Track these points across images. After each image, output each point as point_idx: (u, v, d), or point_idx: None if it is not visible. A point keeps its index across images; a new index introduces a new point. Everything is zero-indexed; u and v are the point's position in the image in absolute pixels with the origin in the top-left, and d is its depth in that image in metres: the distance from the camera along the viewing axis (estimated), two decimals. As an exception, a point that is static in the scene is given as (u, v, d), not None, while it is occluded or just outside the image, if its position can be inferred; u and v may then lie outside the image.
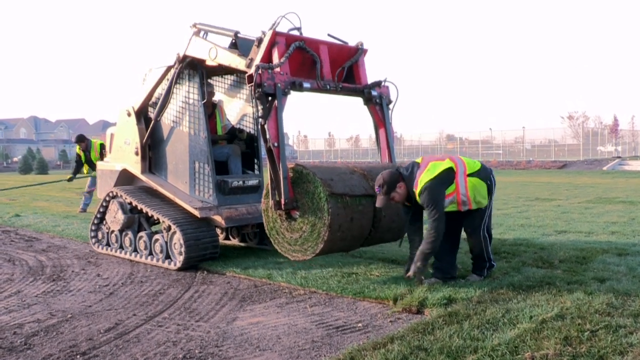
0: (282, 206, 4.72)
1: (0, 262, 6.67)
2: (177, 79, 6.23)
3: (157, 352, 3.60)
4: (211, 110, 6.86)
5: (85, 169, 12.19)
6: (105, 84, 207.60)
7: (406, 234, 5.23)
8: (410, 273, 4.73)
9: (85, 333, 4.00)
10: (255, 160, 7.08)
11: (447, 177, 4.70)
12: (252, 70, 4.68)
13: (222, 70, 6.73)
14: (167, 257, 6.14)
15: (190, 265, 5.97)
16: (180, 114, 6.32)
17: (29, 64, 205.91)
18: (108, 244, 7.02)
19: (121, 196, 6.71)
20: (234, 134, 7.07)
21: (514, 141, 46.35)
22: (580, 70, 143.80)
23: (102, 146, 11.26)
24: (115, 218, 6.72)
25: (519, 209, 11.04)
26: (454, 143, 54.05)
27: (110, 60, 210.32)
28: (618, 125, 50.74)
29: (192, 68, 6.18)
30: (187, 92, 6.23)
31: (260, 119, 4.62)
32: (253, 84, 4.58)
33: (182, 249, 5.87)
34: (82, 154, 12.05)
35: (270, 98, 4.65)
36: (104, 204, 6.97)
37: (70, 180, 12.69)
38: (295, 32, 5.08)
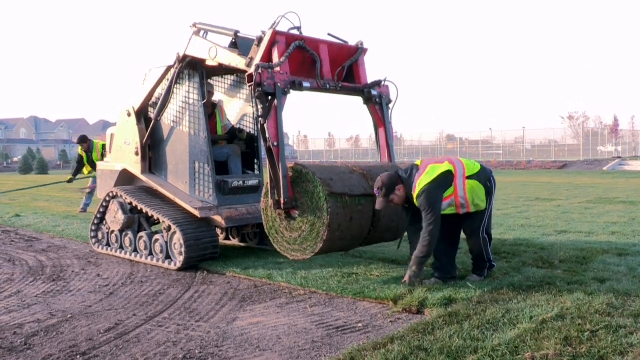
0: (282, 205, 4.72)
1: (0, 262, 6.66)
2: (177, 79, 6.22)
3: (157, 352, 3.59)
4: (211, 110, 6.86)
5: (87, 169, 12.21)
6: (105, 84, 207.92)
7: (406, 234, 5.22)
8: (406, 278, 4.71)
9: (85, 333, 3.99)
10: (256, 161, 7.08)
11: (445, 180, 4.69)
12: (252, 70, 4.68)
13: (222, 70, 6.73)
14: (167, 257, 6.14)
15: (191, 265, 5.97)
16: (180, 114, 6.32)
17: (29, 64, 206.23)
18: (108, 244, 7.01)
19: (121, 196, 6.71)
20: (234, 134, 7.07)
21: (514, 141, 46.36)
22: (580, 70, 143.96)
23: (105, 147, 11.27)
24: (116, 218, 6.72)
25: (519, 209, 11.03)
26: (454, 143, 54.07)
27: (110, 60, 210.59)
28: (618, 125, 50.75)
29: (192, 68, 6.18)
30: (187, 92, 6.23)
31: (260, 118, 4.62)
32: (253, 83, 4.58)
33: (182, 249, 5.86)
34: (84, 155, 12.08)
35: (270, 97, 4.65)
36: (104, 204, 6.97)
37: (70, 181, 12.75)
38: (295, 32, 5.08)
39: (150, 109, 6.70)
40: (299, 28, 5.11)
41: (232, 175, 6.62)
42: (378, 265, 5.75)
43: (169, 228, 6.08)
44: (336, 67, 5.25)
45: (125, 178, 7.04)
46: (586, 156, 38.97)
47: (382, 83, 5.49)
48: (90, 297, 5.03)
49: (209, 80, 6.92)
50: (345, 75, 5.39)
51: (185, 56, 6.05)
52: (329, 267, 5.64)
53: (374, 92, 5.40)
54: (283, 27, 5.04)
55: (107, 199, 6.93)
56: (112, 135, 7.40)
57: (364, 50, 5.43)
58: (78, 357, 3.55)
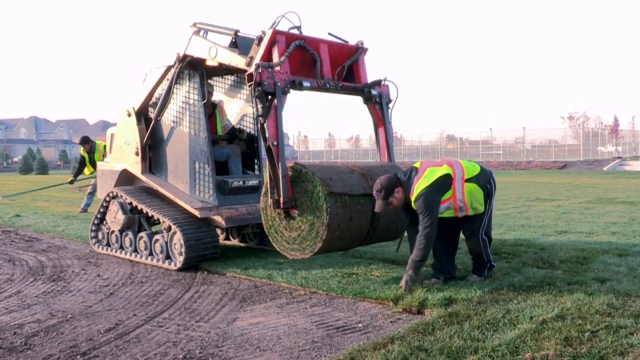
0: (281, 205, 4.72)
1: (0, 262, 6.66)
2: (177, 78, 6.22)
3: (158, 352, 3.59)
4: (211, 110, 6.85)
5: (88, 170, 12.23)
6: (105, 84, 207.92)
7: (406, 235, 5.21)
8: (402, 283, 4.69)
9: (85, 333, 3.99)
10: (256, 161, 7.08)
11: (443, 183, 4.68)
12: (252, 69, 4.68)
13: (222, 70, 6.73)
14: (168, 257, 6.13)
15: (191, 265, 5.97)
16: (180, 114, 6.31)
17: (29, 64, 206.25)
18: (108, 244, 7.01)
19: (121, 196, 6.71)
20: (234, 134, 7.07)
21: (514, 141, 46.39)
22: (580, 71, 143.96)
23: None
24: (116, 218, 6.72)
25: (519, 209, 11.03)
26: (454, 143, 54.06)
27: (110, 60, 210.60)
28: (618, 125, 50.76)
29: (192, 68, 6.18)
30: (187, 92, 6.22)
31: (259, 118, 4.62)
32: (253, 82, 4.58)
33: (183, 249, 5.86)
34: (86, 156, 12.11)
35: (270, 97, 4.64)
36: (104, 204, 6.97)
37: (71, 182, 12.80)
38: (295, 31, 5.08)
39: (151, 109, 6.70)
40: (299, 27, 5.11)
41: (232, 175, 6.62)
42: (378, 265, 5.74)
43: (169, 228, 6.08)
44: (336, 67, 5.25)
45: (125, 178, 7.04)
46: (586, 156, 38.98)
47: (382, 83, 5.48)
48: (91, 297, 5.02)
49: (209, 80, 6.92)
50: (345, 75, 5.39)
51: (185, 56, 6.05)
52: (329, 267, 5.64)
53: (373, 92, 5.40)
54: (283, 27, 5.04)
55: (107, 199, 6.92)
56: (112, 135, 7.40)
57: (364, 50, 5.43)
58: (78, 357, 3.55)
